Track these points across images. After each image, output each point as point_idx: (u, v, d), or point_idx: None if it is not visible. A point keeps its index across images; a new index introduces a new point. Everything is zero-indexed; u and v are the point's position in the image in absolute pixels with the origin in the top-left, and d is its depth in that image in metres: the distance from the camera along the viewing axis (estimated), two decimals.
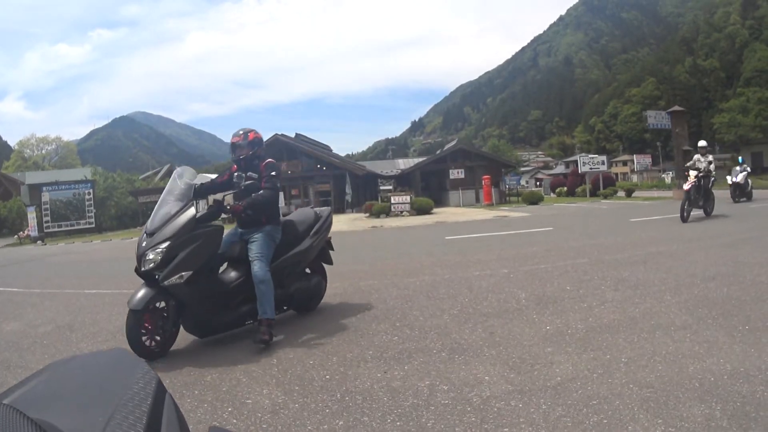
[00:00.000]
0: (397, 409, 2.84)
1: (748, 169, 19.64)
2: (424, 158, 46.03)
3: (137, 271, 4.14)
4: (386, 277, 6.98)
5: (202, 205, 4.71)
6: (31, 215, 31.13)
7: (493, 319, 4.48)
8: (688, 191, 12.26)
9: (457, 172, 34.31)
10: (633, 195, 31.09)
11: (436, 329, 4.31)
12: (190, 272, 4.03)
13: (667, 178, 51.80)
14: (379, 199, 27.74)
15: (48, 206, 33.30)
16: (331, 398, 3.06)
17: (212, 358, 4.00)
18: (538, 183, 74.30)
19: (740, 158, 23.51)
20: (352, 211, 32.09)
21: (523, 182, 59.05)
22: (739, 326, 3.81)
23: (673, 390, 2.80)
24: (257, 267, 4.30)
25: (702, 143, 13.62)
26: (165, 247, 4.01)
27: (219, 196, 4.87)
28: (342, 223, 21.90)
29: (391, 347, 3.93)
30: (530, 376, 3.15)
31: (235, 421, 2.86)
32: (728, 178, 19.75)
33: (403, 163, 51.17)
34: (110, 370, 0.88)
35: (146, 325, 4.02)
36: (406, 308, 5.13)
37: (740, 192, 18.73)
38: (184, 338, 4.56)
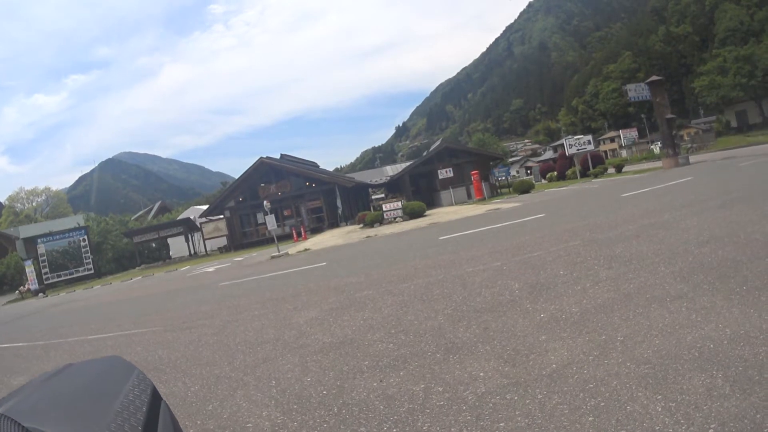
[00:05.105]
0: (393, 416, 2.80)
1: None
2: (412, 162, 46.00)
3: None
4: (381, 286, 6.92)
5: None
6: (29, 269, 30.97)
7: (486, 314, 4.43)
8: None
9: (446, 171, 34.24)
10: (623, 170, 31.17)
11: (430, 331, 4.26)
12: None
13: (656, 148, 52.05)
14: (372, 208, 27.72)
15: (45, 258, 33.27)
16: (328, 413, 3.03)
17: (213, 388, 3.95)
18: (528, 171, 74.53)
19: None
20: (346, 224, 32.05)
21: (513, 172, 59.38)
22: (737, 288, 3.76)
23: (671, 363, 2.75)
24: None
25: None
26: None
27: None
28: (336, 236, 21.88)
29: (387, 355, 3.88)
30: (525, 367, 3.10)
31: None
32: None
33: (391, 170, 51.15)
34: (105, 377, 0.87)
35: None
36: (401, 314, 5.08)
37: None
38: (181, 372, 4.48)
